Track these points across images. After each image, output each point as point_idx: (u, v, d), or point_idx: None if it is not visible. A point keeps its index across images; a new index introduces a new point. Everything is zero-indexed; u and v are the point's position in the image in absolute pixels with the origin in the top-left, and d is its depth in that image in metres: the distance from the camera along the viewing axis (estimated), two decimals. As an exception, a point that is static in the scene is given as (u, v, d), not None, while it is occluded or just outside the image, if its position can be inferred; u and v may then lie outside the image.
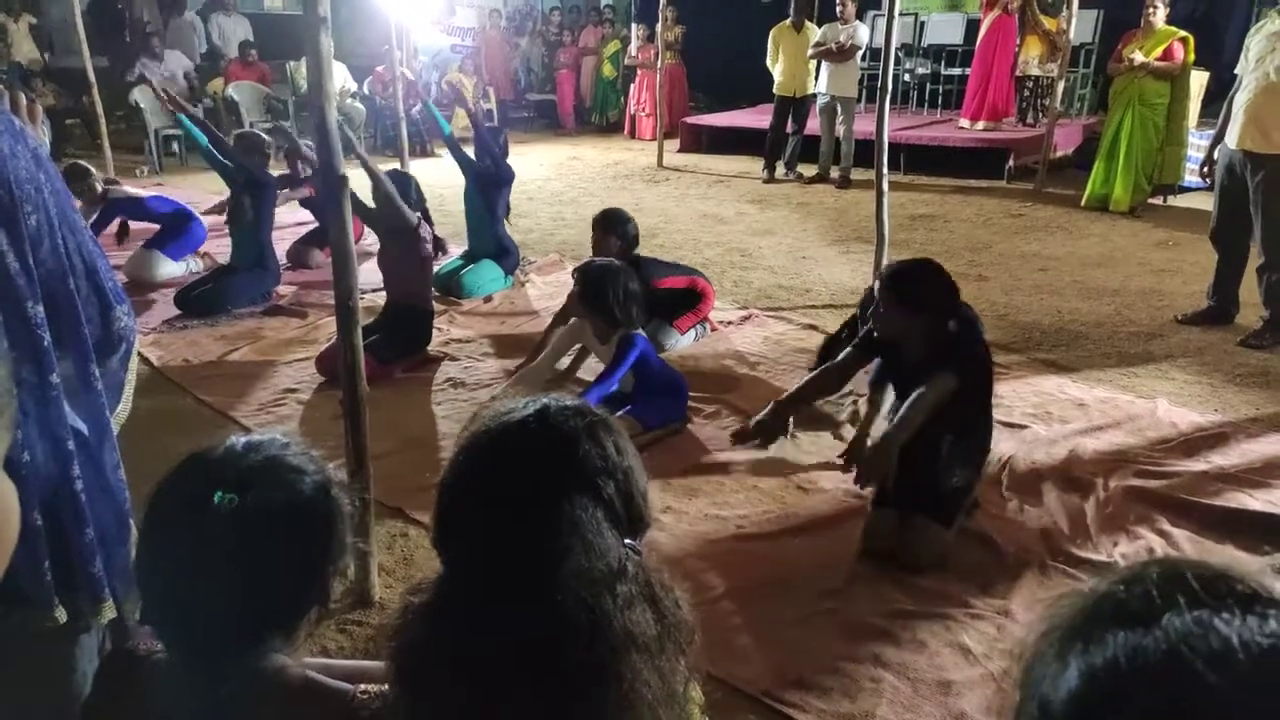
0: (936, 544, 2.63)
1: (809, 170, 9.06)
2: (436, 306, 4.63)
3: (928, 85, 11.00)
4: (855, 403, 3.71)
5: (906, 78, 11.02)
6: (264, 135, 5.81)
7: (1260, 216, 4.46)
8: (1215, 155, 4.75)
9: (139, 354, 1.56)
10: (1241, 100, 4.47)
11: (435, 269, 5.01)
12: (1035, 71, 9.24)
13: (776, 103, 9.04)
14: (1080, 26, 8.69)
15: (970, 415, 2.75)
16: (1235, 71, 4.63)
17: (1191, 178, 7.37)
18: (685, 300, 4.50)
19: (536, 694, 0.92)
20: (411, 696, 0.97)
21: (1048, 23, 8.85)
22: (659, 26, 10.19)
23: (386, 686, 1.02)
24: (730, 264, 6.00)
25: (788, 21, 8.96)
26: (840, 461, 3.08)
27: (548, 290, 5.38)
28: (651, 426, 3.42)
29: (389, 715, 1.01)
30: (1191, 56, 6.72)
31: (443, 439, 3.53)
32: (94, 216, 5.48)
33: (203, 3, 12.21)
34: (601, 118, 13.56)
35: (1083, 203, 7.49)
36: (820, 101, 8.71)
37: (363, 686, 1.05)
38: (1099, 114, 9.61)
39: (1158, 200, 7.48)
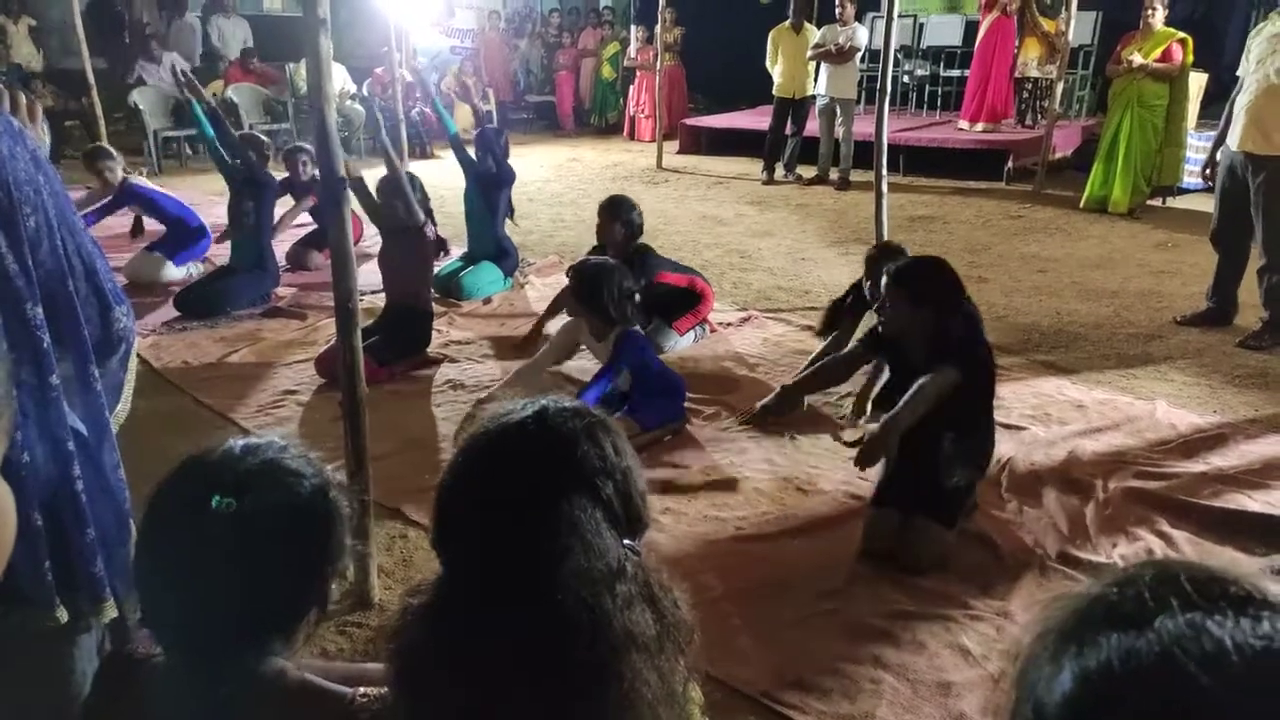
0: (937, 544, 2.63)
1: (808, 172, 9.07)
2: (436, 308, 4.63)
3: (927, 87, 11.01)
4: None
5: (905, 79, 11.04)
6: (263, 137, 5.82)
7: (1261, 218, 4.46)
8: (1217, 157, 4.76)
9: (138, 355, 1.56)
10: (1242, 102, 4.48)
11: (435, 270, 5.02)
12: (1034, 73, 9.24)
13: (776, 104, 9.05)
14: (1079, 28, 8.69)
15: (972, 415, 2.75)
16: (1237, 74, 4.63)
17: (1190, 179, 7.38)
18: (684, 301, 4.50)
19: (536, 694, 0.92)
20: (411, 698, 0.97)
21: (1046, 24, 8.86)
22: (658, 28, 10.21)
23: (386, 689, 1.02)
24: (729, 265, 6.01)
25: (787, 23, 8.96)
26: (847, 440, 3.09)
27: (547, 292, 5.37)
28: (649, 427, 3.42)
29: (389, 717, 1.01)
30: (1190, 58, 6.72)
31: (442, 440, 3.53)
32: (107, 200, 5.50)
33: (202, 4, 12.22)
34: (601, 119, 13.56)
35: (1082, 204, 7.49)
36: (819, 103, 8.72)
37: (362, 689, 1.05)
38: (1098, 116, 9.62)
39: (1156, 202, 7.49)
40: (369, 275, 4.67)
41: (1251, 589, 0.55)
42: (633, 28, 12.87)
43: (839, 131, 8.73)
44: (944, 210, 7.71)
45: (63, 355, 1.32)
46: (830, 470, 3.23)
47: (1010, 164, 8.78)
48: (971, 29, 10.17)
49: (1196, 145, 7.54)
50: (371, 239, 5.93)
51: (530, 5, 15.19)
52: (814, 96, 8.82)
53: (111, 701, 1.10)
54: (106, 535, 1.41)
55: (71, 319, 1.34)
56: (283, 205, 5.77)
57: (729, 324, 4.81)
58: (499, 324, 4.90)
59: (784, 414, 3.02)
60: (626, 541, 1.01)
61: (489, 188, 5.48)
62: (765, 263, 6.09)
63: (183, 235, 5.67)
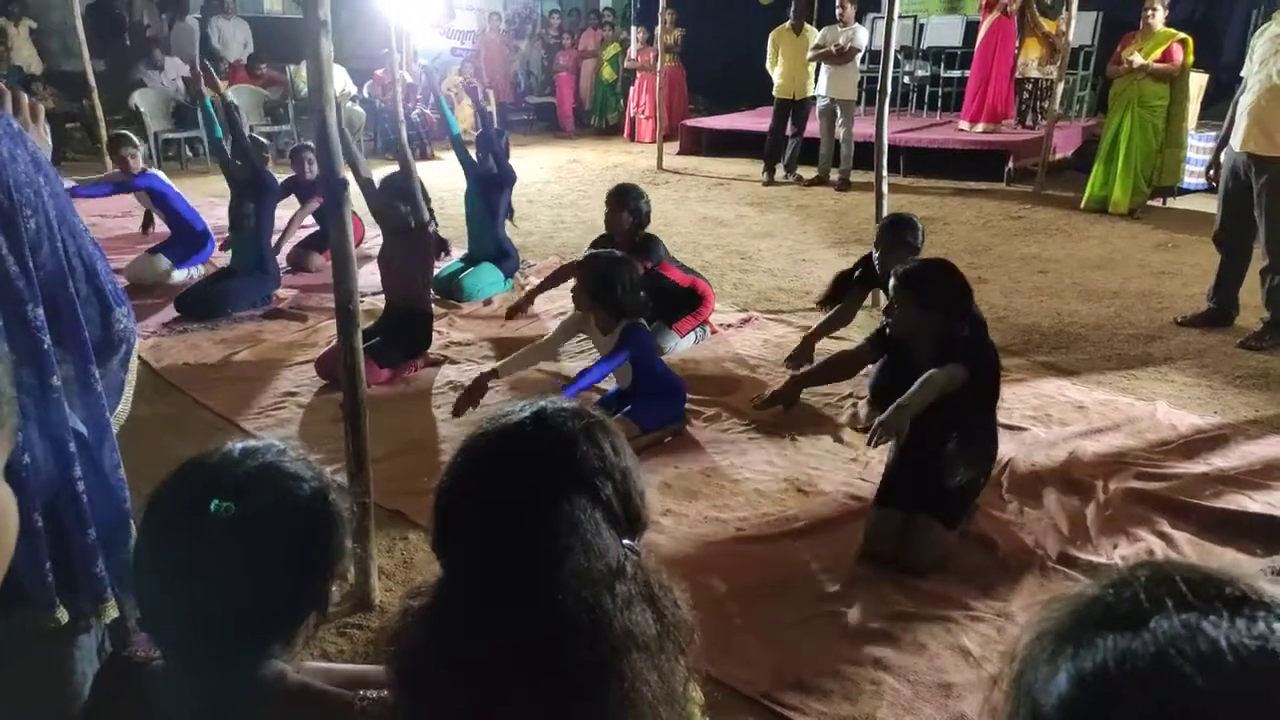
0: (939, 545, 2.63)
1: (808, 173, 9.07)
2: (436, 309, 4.63)
3: (927, 87, 11.01)
4: (855, 405, 3.72)
5: (906, 80, 11.04)
6: (263, 140, 5.84)
7: (1264, 219, 4.46)
8: (1220, 158, 4.75)
9: (139, 357, 1.57)
10: (1245, 103, 4.47)
11: (435, 271, 5.02)
12: (1034, 74, 9.24)
13: (776, 105, 9.05)
14: (1079, 28, 8.69)
15: (976, 416, 2.76)
16: (1240, 74, 4.63)
17: (1191, 179, 7.38)
18: (685, 303, 4.50)
19: (537, 695, 0.92)
20: (411, 699, 0.97)
21: (1047, 25, 8.86)
22: (658, 29, 10.21)
23: (386, 691, 1.02)
24: (730, 266, 6.01)
25: (787, 24, 8.96)
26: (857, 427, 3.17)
27: (547, 292, 5.37)
28: (649, 429, 3.42)
29: (389, 719, 1.01)
30: (1190, 58, 6.71)
31: (443, 442, 3.53)
32: (121, 179, 5.54)
33: (202, 5, 12.22)
34: (601, 120, 13.57)
35: (1082, 205, 7.49)
36: (820, 104, 8.72)
37: (362, 692, 1.05)
38: (1098, 116, 9.62)
39: (1157, 202, 7.48)
40: (369, 277, 4.67)
41: (1247, 589, 0.55)
42: (633, 29, 12.87)
43: (839, 132, 8.73)
44: (944, 211, 7.71)
45: (63, 356, 1.32)
46: (831, 471, 3.24)
47: (1011, 165, 8.78)
48: (972, 30, 10.18)
49: (1197, 146, 7.54)
50: (372, 241, 5.93)
51: (530, 6, 15.19)
52: (814, 97, 8.82)
53: (111, 704, 1.10)
54: (107, 535, 1.41)
55: (72, 320, 1.34)
56: (285, 206, 5.76)
57: (729, 325, 4.81)
58: (499, 326, 4.90)
59: (793, 401, 3.39)
60: (626, 542, 1.02)
61: (490, 189, 5.49)
62: (766, 264, 6.09)
63: (186, 238, 5.69)
